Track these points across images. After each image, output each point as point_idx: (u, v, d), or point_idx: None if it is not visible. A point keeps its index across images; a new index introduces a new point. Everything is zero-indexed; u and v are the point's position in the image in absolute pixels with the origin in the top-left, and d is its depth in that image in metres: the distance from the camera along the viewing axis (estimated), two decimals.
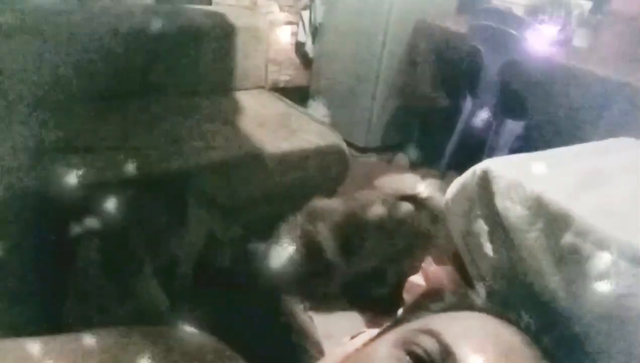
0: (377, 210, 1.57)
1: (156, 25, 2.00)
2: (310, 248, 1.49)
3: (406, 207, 1.64)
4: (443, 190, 1.72)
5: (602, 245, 0.62)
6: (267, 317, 1.18)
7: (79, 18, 1.91)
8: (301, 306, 1.58)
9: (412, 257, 1.56)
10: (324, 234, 1.50)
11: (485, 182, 0.76)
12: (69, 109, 1.78)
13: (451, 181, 0.87)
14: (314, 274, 1.52)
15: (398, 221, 1.56)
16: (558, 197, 0.69)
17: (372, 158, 2.84)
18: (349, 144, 2.08)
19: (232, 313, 0.86)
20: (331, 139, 2.00)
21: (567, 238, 0.65)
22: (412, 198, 1.69)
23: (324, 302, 1.62)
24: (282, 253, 1.34)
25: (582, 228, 0.64)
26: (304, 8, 2.93)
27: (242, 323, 0.85)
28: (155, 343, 0.60)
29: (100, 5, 2.23)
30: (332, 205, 1.58)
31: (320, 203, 1.59)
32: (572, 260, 0.64)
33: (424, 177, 1.76)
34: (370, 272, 1.59)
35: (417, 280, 0.90)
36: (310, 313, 1.59)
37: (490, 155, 2.17)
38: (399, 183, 1.75)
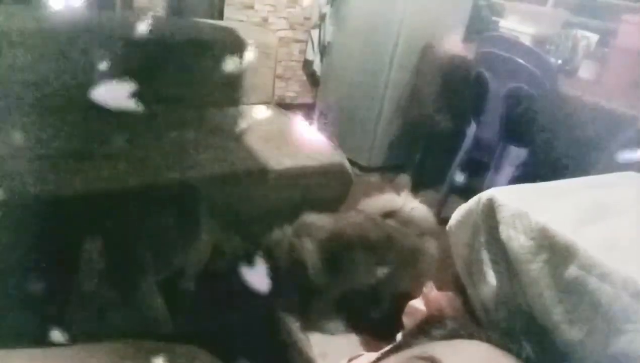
0: (364, 229, 1.57)
1: (167, 37, 2.02)
2: (294, 263, 1.49)
3: (392, 224, 1.65)
4: (423, 204, 1.73)
5: (606, 278, 0.62)
6: (264, 334, 1.18)
7: (89, 28, 1.93)
8: (297, 324, 1.58)
9: (404, 275, 1.56)
10: (309, 249, 1.51)
11: (490, 210, 0.77)
12: (75, 117, 1.79)
13: (453, 205, 0.88)
14: (302, 290, 1.52)
15: (386, 238, 1.56)
16: (563, 228, 0.70)
17: (374, 178, 2.85)
18: (352, 163, 2.09)
19: (230, 328, 0.85)
20: (335, 157, 2.01)
21: (572, 271, 0.66)
22: (396, 214, 1.70)
23: (319, 322, 1.62)
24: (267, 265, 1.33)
25: (587, 261, 0.65)
26: (314, 27, 2.97)
27: (240, 339, 0.85)
28: (148, 357, 0.60)
29: (112, 15, 2.27)
30: (320, 221, 1.59)
31: (310, 218, 1.60)
32: (575, 292, 0.64)
33: (400, 193, 1.77)
34: (364, 291, 1.59)
35: (417, 304, 0.90)
36: (306, 332, 1.58)
37: (492, 181, 2.18)
38: (380, 202, 1.75)
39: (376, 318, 1.57)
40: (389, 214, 1.69)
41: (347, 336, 1.64)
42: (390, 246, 1.55)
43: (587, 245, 0.66)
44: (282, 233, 1.56)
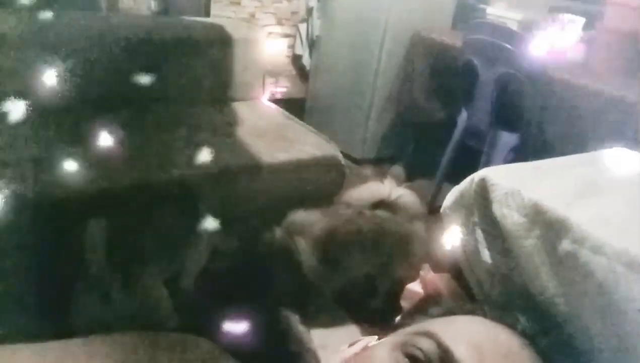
0: (356, 223, 1.58)
1: (155, 36, 2.02)
2: (289, 263, 1.50)
3: (382, 213, 1.66)
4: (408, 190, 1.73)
5: (598, 251, 0.63)
6: (267, 326, 1.18)
7: (77, 28, 1.92)
8: (297, 317, 1.58)
9: (400, 261, 1.57)
10: (303, 248, 1.51)
11: (483, 190, 0.77)
12: (65, 117, 1.79)
13: (447, 193, 0.88)
14: (299, 288, 1.53)
15: (378, 229, 1.57)
16: (555, 204, 0.70)
17: (368, 169, 2.85)
18: (345, 156, 2.10)
19: (233, 322, 0.86)
20: (328, 150, 2.01)
21: (565, 245, 0.66)
22: (384, 204, 1.70)
23: (319, 315, 1.62)
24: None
25: (579, 235, 0.65)
26: (301, 21, 2.97)
27: (243, 331, 0.85)
28: (154, 349, 0.60)
29: (98, 15, 2.25)
30: (310, 219, 1.59)
31: (299, 217, 1.60)
32: (569, 266, 0.65)
33: (384, 180, 1.78)
34: (362, 282, 1.60)
35: (415, 287, 0.91)
36: (306, 325, 1.59)
37: (485, 167, 2.19)
38: (366, 192, 1.76)
39: (375, 308, 1.58)
40: (377, 204, 1.69)
41: (347, 327, 1.65)
42: (382, 235, 1.56)
43: (579, 220, 0.67)
44: (274, 235, 1.56)
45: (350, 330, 1.63)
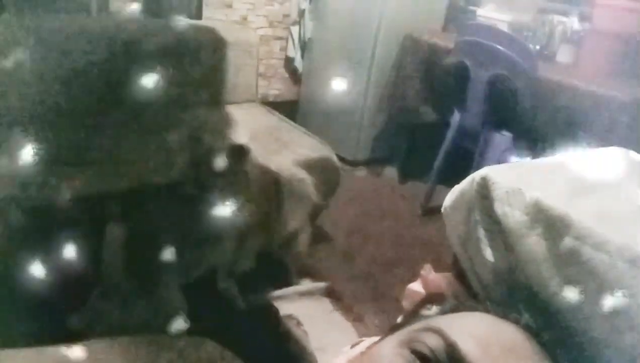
0: None
1: (146, 38, 2.01)
2: None
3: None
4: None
5: (601, 247, 0.63)
6: (264, 329, 1.18)
7: (68, 32, 1.90)
8: (294, 321, 1.58)
9: None
10: None
11: (484, 189, 0.78)
12: (57, 122, 1.77)
13: (440, 194, 0.89)
14: None
15: None
16: (556, 202, 0.71)
17: (361, 171, 2.86)
18: (338, 158, 2.10)
19: (234, 323, 0.85)
20: (322, 151, 2.01)
21: (567, 242, 0.67)
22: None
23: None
24: None
25: (581, 231, 0.66)
26: (293, 23, 2.97)
27: (243, 332, 0.85)
28: (158, 351, 0.60)
29: (90, 18, 2.24)
30: None
31: None
32: (571, 263, 0.66)
33: None
34: None
35: (415, 287, 0.91)
36: (304, 327, 1.58)
37: (478, 168, 2.20)
38: None
39: None
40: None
41: (345, 330, 1.65)
42: None
43: (581, 217, 0.68)
44: None
45: (346, 331, 1.64)
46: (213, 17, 2.66)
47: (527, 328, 0.53)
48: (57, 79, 1.83)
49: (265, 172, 1.59)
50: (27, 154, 1.39)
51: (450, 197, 0.83)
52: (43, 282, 1.16)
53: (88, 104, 1.91)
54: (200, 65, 2.16)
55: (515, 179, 0.75)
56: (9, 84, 1.73)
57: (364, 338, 0.74)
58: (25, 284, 1.16)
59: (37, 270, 1.16)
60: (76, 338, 0.56)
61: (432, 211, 2.39)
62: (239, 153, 1.40)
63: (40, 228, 1.23)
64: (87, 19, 2.20)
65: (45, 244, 1.20)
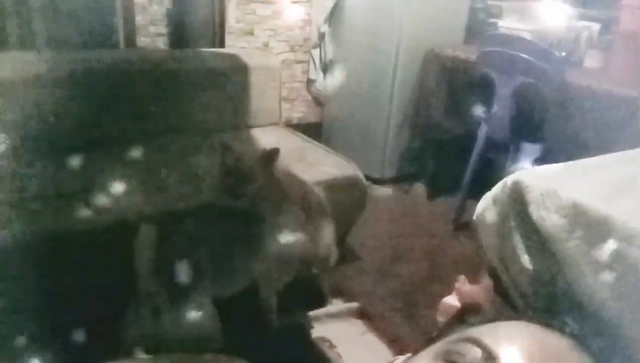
0: None
1: (173, 67, 2.06)
2: None
3: None
4: None
5: None
6: (299, 349, 1.16)
7: (95, 65, 1.97)
8: (327, 343, 1.55)
9: None
10: None
11: (517, 193, 0.75)
12: (86, 152, 1.82)
13: (471, 209, 0.86)
14: None
15: None
16: (595, 203, 0.68)
17: (389, 189, 2.83)
18: (365, 177, 2.08)
19: (266, 343, 0.84)
20: (348, 170, 2.00)
21: (610, 244, 0.63)
22: None
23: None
24: None
25: (626, 232, 0.62)
26: (314, 47, 3.00)
27: (275, 353, 0.83)
28: None
29: (117, 50, 2.31)
30: None
31: None
32: (617, 266, 0.62)
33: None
34: None
35: (451, 300, 0.88)
36: (337, 350, 1.55)
37: None
38: None
39: None
40: None
41: (378, 351, 1.61)
42: None
43: (623, 217, 0.64)
44: None
45: (379, 352, 1.60)
46: (235, 45, 2.71)
47: (573, 337, 0.50)
48: (89, 111, 1.89)
49: (297, 181, 1.60)
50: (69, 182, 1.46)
51: (482, 204, 0.81)
52: (75, 297, 1.19)
53: (117, 133, 1.96)
54: (224, 91, 2.20)
55: (549, 181, 0.72)
56: (45, 115, 1.80)
57: (398, 357, 0.71)
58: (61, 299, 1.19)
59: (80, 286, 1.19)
60: (113, 352, 0.55)
61: (464, 226, 2.33)
62: (270, 156, 1.42)
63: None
64: (116, 52, 2.27)
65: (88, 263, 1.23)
